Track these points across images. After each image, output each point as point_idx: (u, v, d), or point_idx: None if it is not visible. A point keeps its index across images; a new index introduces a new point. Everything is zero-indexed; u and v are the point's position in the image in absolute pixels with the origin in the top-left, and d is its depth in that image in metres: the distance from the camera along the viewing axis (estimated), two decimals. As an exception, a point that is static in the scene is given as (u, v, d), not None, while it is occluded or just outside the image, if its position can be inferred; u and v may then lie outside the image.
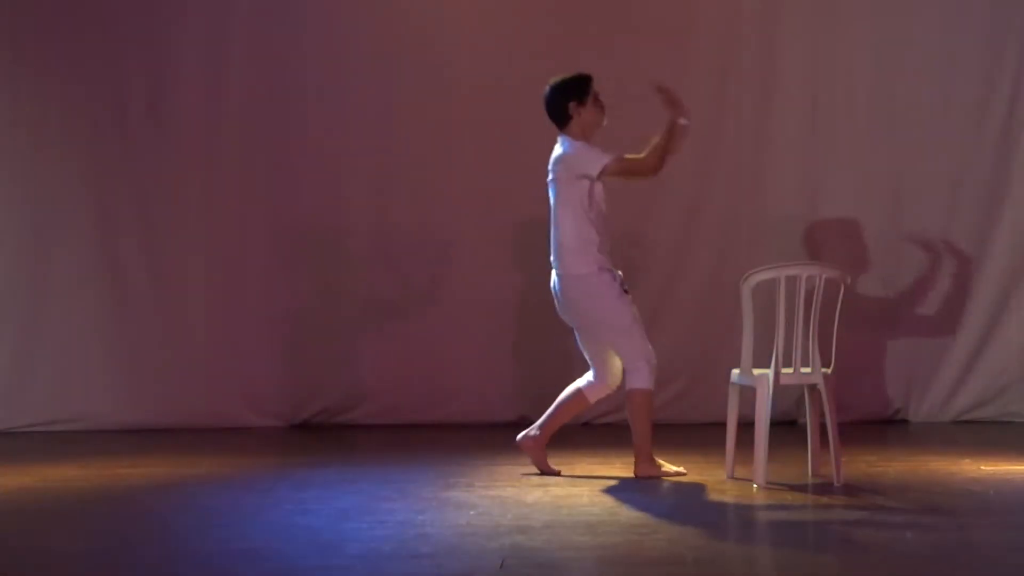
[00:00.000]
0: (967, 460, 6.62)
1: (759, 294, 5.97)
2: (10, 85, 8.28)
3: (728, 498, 5.69)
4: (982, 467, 6.40)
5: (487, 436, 7.71)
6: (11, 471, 6.64)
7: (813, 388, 6.05)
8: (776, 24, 8.29)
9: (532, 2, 8.36)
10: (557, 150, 6.23)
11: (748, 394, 6.08)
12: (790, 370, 5.96)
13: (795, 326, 5.93)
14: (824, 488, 5.88)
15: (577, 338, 6.33)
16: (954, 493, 5.73)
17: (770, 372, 5.91)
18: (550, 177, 6.22)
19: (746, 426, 6.02)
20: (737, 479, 6.08)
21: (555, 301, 6.28)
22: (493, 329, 8.20)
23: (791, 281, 5.89)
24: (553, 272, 6.26)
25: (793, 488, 5.90)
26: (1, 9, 8.27)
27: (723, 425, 6.23)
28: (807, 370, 5.99)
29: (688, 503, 5.53)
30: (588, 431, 8.04)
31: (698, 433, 7.73)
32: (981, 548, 4.67)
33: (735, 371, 6.10)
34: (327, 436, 8.00)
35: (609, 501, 5.60)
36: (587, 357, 6.29)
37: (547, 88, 6.32)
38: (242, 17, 8.31)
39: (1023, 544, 4.76)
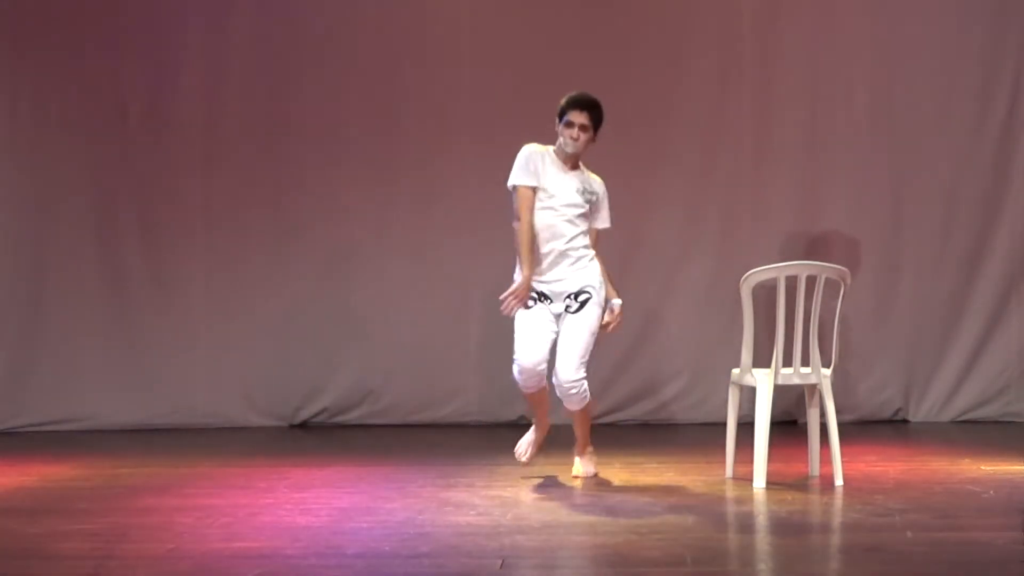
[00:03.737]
0: (967, 460, 6.62)
1: (759, 294, 5.96)
2: (10, 86, 8.29)
3: (728, 498, 5.69)
4: (982, 467, 6.40)
5: (487, 436, 7.71)
6: (11, 471, 6.64)
7: (813, 388, 6.05)
8: (776, 26, 8.30)
9: (532, 3, 8.36)
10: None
11: (748, 394, 6.08)
12: (790, 370, 5.96)
13: (795, 326, 5.93)
14: (824, 488, 5.88)
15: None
16: (954, 493, 5.73)
17: (770, 372, 5.91)
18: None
19: (746, 426, 6.02)
20: (737, 479, 6.08)
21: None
22: (493, 329, 8.20)
23: (791, 281, 5.88)
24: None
25: (793, 488, 5.90)
26: (1, 10, 8.27)
27: (723, 425, 6.24)
28: (807, 370, 5.99)
29: (688, 503, 5.53)
30: (588, 431, 8.05)
31: (698, 433, 7.73)
32: (981, 548, 4.67)
33: (735, 371, 6.10)
34: (327, 436, 8.01)
35: (609, 501, 5.60)
36: None
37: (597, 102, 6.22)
38: (242, 17, 8.32)
39: (1022, 544, 4.75)
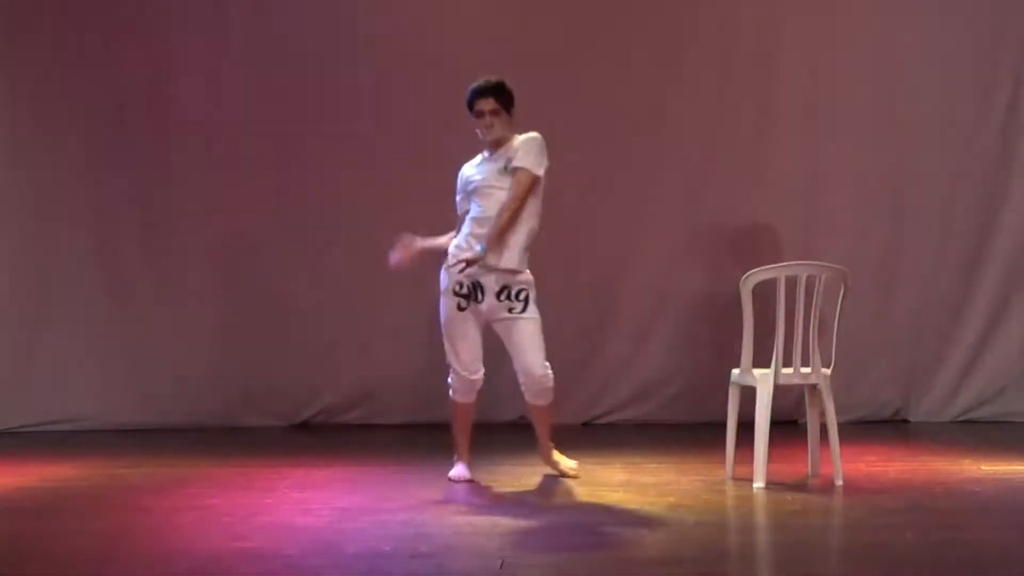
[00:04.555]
0: (967, 460, 6.62)
1: (759, 294, 5.96)
2: (10, 85, 8.29)
3: (728, 498, 5.70)
4: (982, 467, 6.40)
5: (487, 436, 7.71)
6: (11, 471, 6.64)
7: (813, 388, 6.05)
8: (776, 24, 8.30)
9: (532, 3, 8.36)
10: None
11: (748, 394, 6.08)
12: (790, 370, 5.96)
13: (795, 326, 5.93)
14: (824, 488, 5.88)
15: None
16: (954, 493, 5.73)
17: (770, 372, 5.91)
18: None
19: (746, 426, 6.02)
20: (737, 479, 6.08)
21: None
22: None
23: (791, 281, 5.89)
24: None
25: (793, 488, 5.90)
26: (1, 9, 8.27)
27: (723, 425, 6.24)
28: (807, 370, 5.99)
29: (688, 503, 5.53)
30: (588, 431, 8.06)
31: (698, 433, 7.73)
32: (981, 548, 4.67)
33: (735, 371, 6.10)
34: (327, 436, 8.01)
35: (609, 501, 5.60)
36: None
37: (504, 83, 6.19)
38: (242, 17, 8.32)
39: (1023, 544, 4.75)
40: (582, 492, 5.83)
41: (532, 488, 5.93)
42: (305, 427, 8.30)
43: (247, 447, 7.57)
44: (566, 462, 6.29)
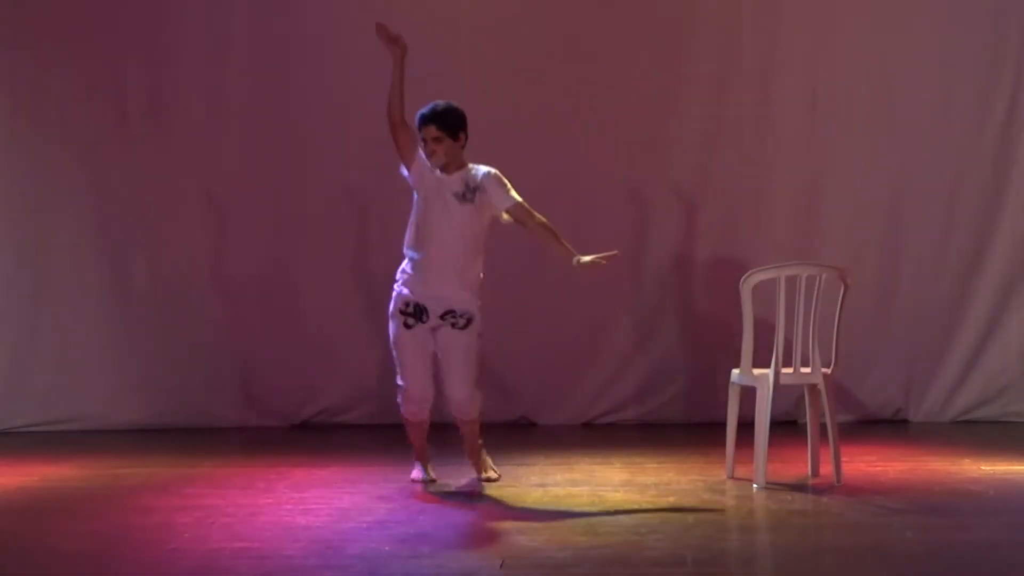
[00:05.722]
0: (967, 460, 6.62)
1: (759, 294, 5.96)
2: (10, 85, 8.28)
3: (728, 498, 5.69)
4: (982, 467, 6.40)
5: (486, 436, 7.70)
6: (11, 471, 6.64)
7: (813, 388, 6.05)
8: (776, 23, 8.29)
9: (531, 2, 8.35)
10: (484, 168, 6.05)
11: (748, 394, 6.08)
12: (790, 370, 5.96)
13: (795, 326, 5.93)
14: (824, 488, 5.88)
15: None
16: (954, 493, 5.73)
17: (770, 372, 5.91)
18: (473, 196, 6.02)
19: (746, 426, 6.02)
20: (737, 479, 6.08)
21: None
22: (492, 330, 8.19)
23: (791, 281, 5.88)
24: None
25: (793, 488, 5.90)
26: (1, 9, 8.27)
27: (723, 425, 6.24)
28: (807, 370, 5.99)
29: (688, 503, 5.53)
30: (588, 431, 8.06)
31: (698, 433, 7.73)
32: (981, 548, 4.67)
33: (735, 371, 6.10)
34: (327, 436, 8.01)
35: (609, 501, 5.60)
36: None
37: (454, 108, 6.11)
38: (242, 17, 8.31)
39: (1023, 544, 4.76)
40: (582, 492, 5.83)
41: (532, 488, 5.93)
42: (305, 427, 8.30)
43: (247, 447, 7.57)
44: (489, 465, 6.26)
